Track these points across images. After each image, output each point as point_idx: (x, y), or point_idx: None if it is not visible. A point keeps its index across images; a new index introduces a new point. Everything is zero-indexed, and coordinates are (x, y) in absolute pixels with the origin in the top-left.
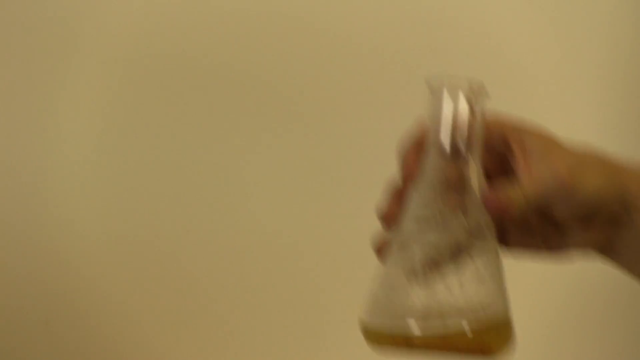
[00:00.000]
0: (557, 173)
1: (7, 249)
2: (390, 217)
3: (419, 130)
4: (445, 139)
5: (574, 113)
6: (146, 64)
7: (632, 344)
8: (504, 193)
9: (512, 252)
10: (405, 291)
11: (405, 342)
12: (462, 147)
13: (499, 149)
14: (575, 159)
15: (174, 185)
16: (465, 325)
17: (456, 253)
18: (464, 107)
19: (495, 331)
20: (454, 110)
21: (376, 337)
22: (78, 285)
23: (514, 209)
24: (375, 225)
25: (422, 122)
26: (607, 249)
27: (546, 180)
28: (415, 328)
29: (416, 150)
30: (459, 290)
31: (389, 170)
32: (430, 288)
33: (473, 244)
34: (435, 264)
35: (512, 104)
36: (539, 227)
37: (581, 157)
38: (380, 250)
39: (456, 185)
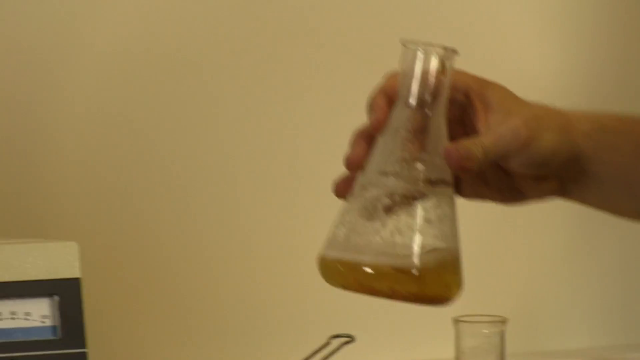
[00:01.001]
0: (515, 127)
1: None
2: (356, 161)
3: (389, 82)
4: (413, 90)
5: None
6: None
7: None
8: (464, 145)
9: (467, 199)
10: (363, 230)
11: (356, 277)
12: (428, 99)
13: (460, 103)
14: (533, 114)
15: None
16: (414, 263)
17: (413, 199)
18: (434, 63)
19: (443, 274)
20: (424, 64)
21: (329, 270)
22: None
23: (472, 161)
24: None
25: (392, 75)
26: (563, 196)
27: (504, 134)
28: (366, 263)
29: (385, 101)
30: (412, 233)
31: None
32: (385, 229)
33: (431, 192)
34: (392, 207)
35: None
36: (495, 178)
37: (538, 112)
38: (340, 189)
39: (420, 135)
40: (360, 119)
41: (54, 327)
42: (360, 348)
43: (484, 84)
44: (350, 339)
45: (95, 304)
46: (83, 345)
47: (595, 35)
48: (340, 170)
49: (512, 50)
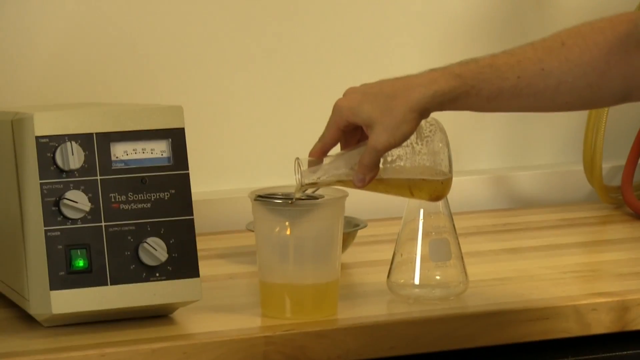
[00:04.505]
0: (373, 142)
1: None
2: (315, 155)
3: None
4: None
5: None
6: None
7: None
8: (356, 175)
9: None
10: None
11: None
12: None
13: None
14: (386, 123)
15: None
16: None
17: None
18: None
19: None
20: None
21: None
22: None
23: (368, 179)
24: None
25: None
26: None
27: (370, 148)
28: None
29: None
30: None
31: None
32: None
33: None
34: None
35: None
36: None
37: (389, 119)
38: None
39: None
40: None
41: (168, 158)
42: None
43: (354, 111)
44: None
45: (193, 144)
46: (186, 169)
47: None
48: None
49: None
